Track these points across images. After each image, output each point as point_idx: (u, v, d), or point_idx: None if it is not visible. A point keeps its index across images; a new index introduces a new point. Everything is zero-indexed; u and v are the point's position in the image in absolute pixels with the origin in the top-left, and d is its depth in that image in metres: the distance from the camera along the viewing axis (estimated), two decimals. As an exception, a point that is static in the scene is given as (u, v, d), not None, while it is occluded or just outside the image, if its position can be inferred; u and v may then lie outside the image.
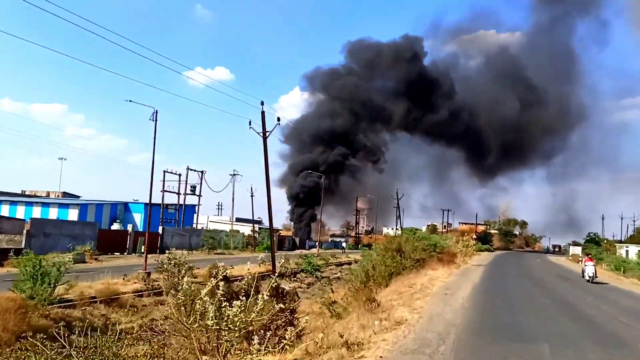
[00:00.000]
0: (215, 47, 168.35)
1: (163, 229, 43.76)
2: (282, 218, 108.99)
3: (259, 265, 33.04)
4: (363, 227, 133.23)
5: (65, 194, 70.61)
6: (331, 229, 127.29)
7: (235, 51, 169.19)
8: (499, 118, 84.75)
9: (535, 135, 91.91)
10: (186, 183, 48.51)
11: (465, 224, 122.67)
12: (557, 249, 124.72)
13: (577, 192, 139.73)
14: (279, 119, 20.62)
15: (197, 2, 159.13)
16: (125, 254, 37.50)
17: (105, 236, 37.18)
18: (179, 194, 48.79)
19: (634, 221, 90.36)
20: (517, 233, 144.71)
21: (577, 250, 59.20)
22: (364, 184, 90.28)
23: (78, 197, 67.70)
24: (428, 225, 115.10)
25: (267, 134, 21.16)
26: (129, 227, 39.74)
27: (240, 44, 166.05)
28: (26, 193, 68.43)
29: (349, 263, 44.99)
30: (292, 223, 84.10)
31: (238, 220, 77.25)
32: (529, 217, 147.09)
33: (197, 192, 50.84)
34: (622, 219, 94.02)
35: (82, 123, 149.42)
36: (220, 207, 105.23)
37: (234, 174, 54.11)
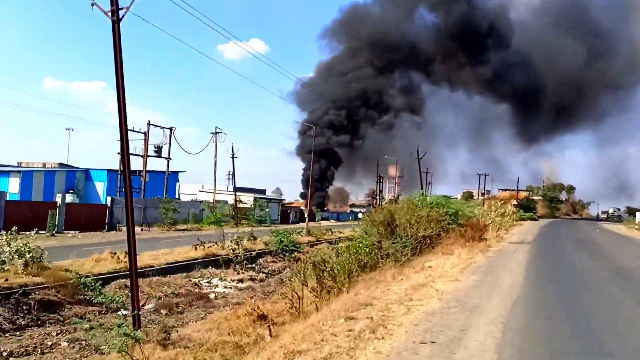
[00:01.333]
0: (250, 19, 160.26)
1: (112, 200, 34.73)
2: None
3: (195, 249, 23.42)
4: (393, 196, 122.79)
5: (62, 165, 63.00)
6: (358, 198, 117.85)
7: (270, 22, 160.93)
8: (558, 70, 70.28)
9: (596, 90, 76.90)
10: (147, 142, 39.10)
11: (506, 190, 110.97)
12: (609, 216, 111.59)
13: (628, 155, 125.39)
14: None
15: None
16: (53, 232, 28.51)
17: (17, 210, 28.32)
18: (144, 156, 39.53)
19: None
20: (564, 199, 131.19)
21: (647, 217, 47.25)
22: (395, 149, 78.55)
23: (76, 168, 59.82)
24: (464, 193, 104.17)
25: (122, 12, 11.12)
26: (58, 198, 30.80)
27: (275, 14, 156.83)
28: (22, 164, 61.38)
29: (351, 239, 35.16)
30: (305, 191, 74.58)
31: (238, 189, 68.12)
32: (575, 182, 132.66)
33: (166, 155, 41.43)
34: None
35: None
36: (230, 176, 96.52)
37: (217, 132, 44.46)
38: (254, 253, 23.58)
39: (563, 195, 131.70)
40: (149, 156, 39.59)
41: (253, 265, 22.73)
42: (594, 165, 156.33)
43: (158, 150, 40.17)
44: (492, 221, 21.78)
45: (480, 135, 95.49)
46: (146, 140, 39.19)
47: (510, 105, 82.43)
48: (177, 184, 52.81)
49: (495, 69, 71.05)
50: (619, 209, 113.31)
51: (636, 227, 47.65)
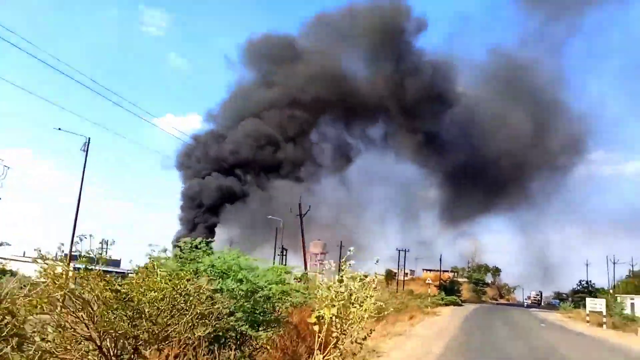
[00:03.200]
0: (189, 94, 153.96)
1: None
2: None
3: None
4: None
5: None
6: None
7: (208, 97, 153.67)
8: (497, 146, 61.20)
9: (535, 170, 68.58)
10: None
11: (431, 270, 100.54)
12: (539, 303, 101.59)
13: (550, 241, 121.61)
14: None
15: (171, 51, 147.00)
16: None
17: None
18: None
19: (632, 265, 65.87)
20: (490, 282, 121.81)
21: (598, 305, 35.34)
22: (320, 219, 63.73)
23: None
24: (386, 271, 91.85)
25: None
26: None
27: (213, 90, 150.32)
28: None
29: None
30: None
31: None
32: (500, 264, 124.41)
33: None
34: (614, 263, 68.49)
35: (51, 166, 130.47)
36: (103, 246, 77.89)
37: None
38: None
39: (489, 278, 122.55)
40: None
41: None
42: (518, 248, 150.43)
43: None
44: (319, 316, 8.01)
45: (408, 212, 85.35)
46: None
47: (440, 181, 72.86)
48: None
49: (426, 139, 61.34)
50: (540, 292, 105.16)
51: (587, 318, 35.44)
